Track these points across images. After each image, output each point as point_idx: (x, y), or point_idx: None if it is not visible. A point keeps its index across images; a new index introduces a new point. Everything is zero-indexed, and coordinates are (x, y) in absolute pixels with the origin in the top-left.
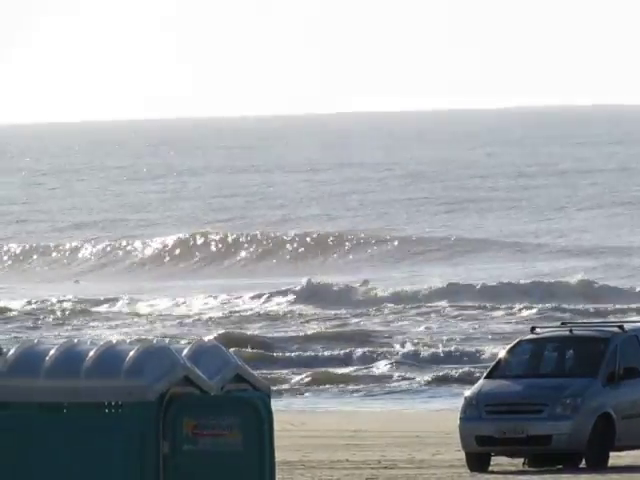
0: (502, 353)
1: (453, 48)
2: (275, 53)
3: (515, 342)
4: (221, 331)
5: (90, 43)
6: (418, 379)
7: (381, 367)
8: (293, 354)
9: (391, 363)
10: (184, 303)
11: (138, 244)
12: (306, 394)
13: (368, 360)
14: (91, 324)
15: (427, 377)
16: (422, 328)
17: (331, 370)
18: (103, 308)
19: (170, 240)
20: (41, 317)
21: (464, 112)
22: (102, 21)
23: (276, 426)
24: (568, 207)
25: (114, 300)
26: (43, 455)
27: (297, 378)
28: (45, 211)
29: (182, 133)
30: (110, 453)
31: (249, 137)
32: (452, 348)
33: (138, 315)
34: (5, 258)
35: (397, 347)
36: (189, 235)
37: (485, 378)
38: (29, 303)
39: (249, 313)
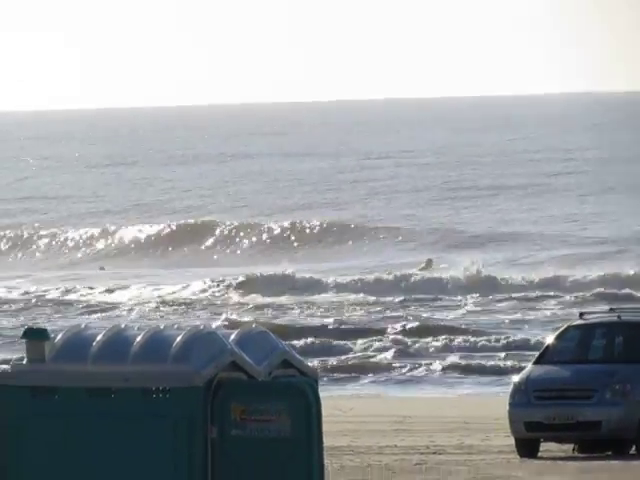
0: (550, 339)
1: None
2: (301, 44)
3: (563, 328)
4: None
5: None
6: (463, 366)
7: (423, 354)
8: (333, 341)
9: (433, 351)
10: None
11: (160, 230)
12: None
13: (407, 347)
14: (117, 310)
15: (474, 364)
16: (465, 314)
17: (374, 356)
18: (128, 293)
19: (188, 226)
20: (68, 303)
21: (500, 98)
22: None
23: (324, 412)
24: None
25: (138, 285)
26: (90, 440)
27: (341, 364)
28: (86, 196)
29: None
30: (158, 438)
31: (276, 124)
32: (497, 336)
33: (163, 301)
34: (34, 244)
35: (437, 335)
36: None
37: (534, 364)
38: (56, 289)
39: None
